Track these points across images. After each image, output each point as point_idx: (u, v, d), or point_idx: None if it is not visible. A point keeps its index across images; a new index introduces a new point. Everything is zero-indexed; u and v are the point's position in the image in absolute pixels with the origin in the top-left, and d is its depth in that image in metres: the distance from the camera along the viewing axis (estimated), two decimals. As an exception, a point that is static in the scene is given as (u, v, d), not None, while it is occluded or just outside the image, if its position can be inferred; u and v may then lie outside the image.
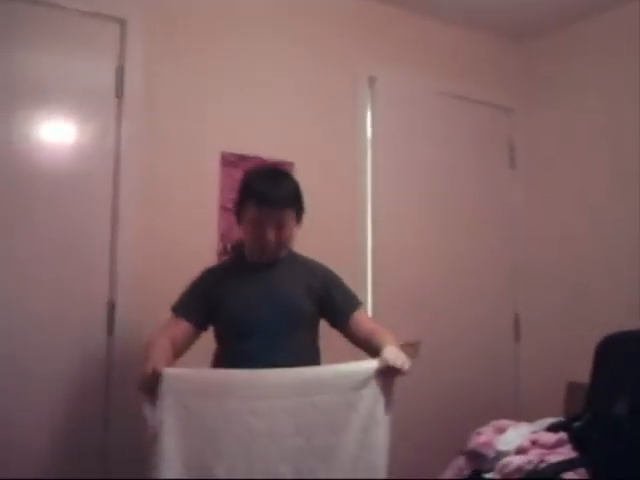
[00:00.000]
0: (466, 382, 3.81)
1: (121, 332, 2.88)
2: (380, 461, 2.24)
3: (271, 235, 2.40)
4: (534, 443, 2.47)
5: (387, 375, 2.26)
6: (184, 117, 3.14)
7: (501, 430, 2.64)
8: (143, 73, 3.02)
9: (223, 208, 3.14)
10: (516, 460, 2.39)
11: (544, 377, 3.95)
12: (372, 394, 2.24)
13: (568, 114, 4.09)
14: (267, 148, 3.19)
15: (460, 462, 2.62)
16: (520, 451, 2.45)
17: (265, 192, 2.38)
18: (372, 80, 3.76)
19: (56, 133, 2.87)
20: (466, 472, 2.57)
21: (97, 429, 2.83)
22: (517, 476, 2.34)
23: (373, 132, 3.75)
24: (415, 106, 3.91)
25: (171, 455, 2.10)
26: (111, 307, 2.88)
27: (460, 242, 3.92)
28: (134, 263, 2.89)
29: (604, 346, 2.81)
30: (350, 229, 3.56)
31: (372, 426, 2.24)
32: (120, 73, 2.97)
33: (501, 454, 2.48)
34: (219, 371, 2.39)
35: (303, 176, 2.57)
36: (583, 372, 2.90)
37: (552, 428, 2.60)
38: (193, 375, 2.24)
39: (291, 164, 3.27)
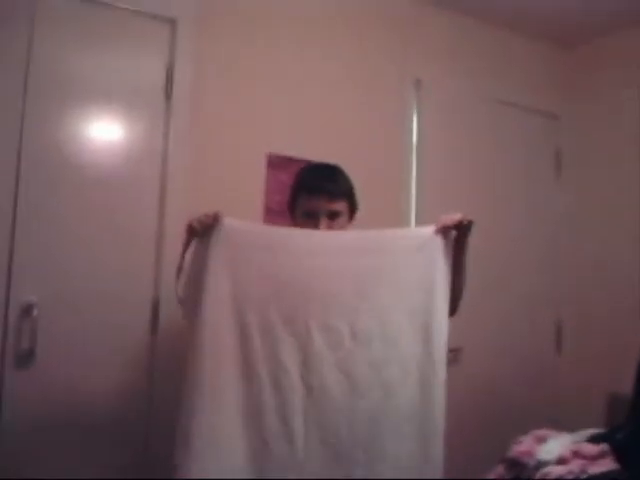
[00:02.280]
0: (506, 390, 3.79)
1: (165, 330, 2.91)
2: (438, 325, 2.22)
3: (324, 225, 2.36)
4: (575, 453, 2.45)
5: (447, 234, 2.27)
6: (231, 118, 3.17)
7: (542, 439, 2.62)
8: (192, 74, 3.05)
9: (268, 209, 3.17)
10: (557, 470, 2.38)
11: (585, 387, 3.91)
12: (430, 257, 2.24)
13: (616, 122, 4.05)
14: (312, 150, 3.20)
15: (500, 470, 2.61)
16: (561, 461, 2.43)
17: (318, 183, 2.38)
18: (418, 82, 3.76)
19: (105, 132, 2.91)
20: (505, 480, 2.57)
21: (139, 426, 2.86)
22: (557, 486, 2.33)
23: (418, 135, 3.75)
24: (461, 110, 3.91)
25: (220, 296, 2.13)
26: (155, 305, 2.91)
27: (504, 250, 3.90)
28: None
29: (648, 358, 2.78)
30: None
31: (431, 288, 2.23)
32: (170, 73, 3.01)
33: (542, 463, 2.46)
34: (278, 228, 2.39)
35: (347, 178, 2.57)
36: (625, 383, 2.87)
37: (593, 439, 2.58)
38: (252, 228, 2.27)
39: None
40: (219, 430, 2.07)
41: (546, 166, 4.25)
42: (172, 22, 3.04)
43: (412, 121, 3.75)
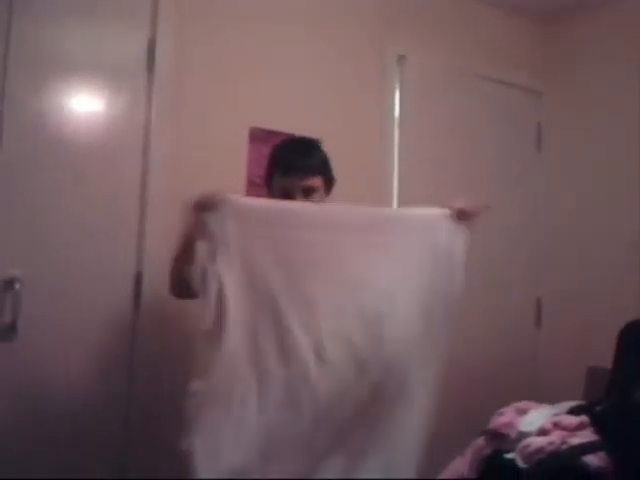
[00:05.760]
0: (487, 364, 3.82)
1: (147, 304, 2.89)
2: (444, 306, 2.22)
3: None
4: (556, 425, 2.49)
5: (460, 219, 2.26)
6: (214, 92, 3.14)
7: (523, 411, 2.67)
8: (174, 47, 3.01)
9: (251, 183, 3.15)
10: (538, 441, 2.42)
11: (565, 361, 3.95)
12: (442, 239, 2.23)
13: (596, 97, 4.07)
14: (295, 124, 3.19)
15: (480, 442, 2.65)
16: (542, 432, 2.47)
17: (290, 160, 2.35)
18: (401, 59, 3.76)
19: (87, 105, 2.87)
20: (486, 452, 2.60)
21: (121, 401, 2.85)
22: (538, 457, 2.37)
23: (401, 111, 3.75)
24: (443, 86, 3.91)
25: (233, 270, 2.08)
26: (138, 280, 2.90)
27: (484, 224, 3.89)
28: (162, 236, 2.89)
29: (627, 332, 2.83)
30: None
31: (441, 268, 2.21)
32: (152, 46, 2.97)
33: (523, 435, 2.51)
34: (284, 202, 2.29)
35: (329, 153, 2.54)
36: (603, 357, 2.91)
37: (573, 411, 2.62)
38: (257, 203, 2.23)
39: (317, 141, 3.26)
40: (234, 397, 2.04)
41: (527, 141, 4.28)
42: (154, -6, 3.00)
43: (395, 96, 3.74)
